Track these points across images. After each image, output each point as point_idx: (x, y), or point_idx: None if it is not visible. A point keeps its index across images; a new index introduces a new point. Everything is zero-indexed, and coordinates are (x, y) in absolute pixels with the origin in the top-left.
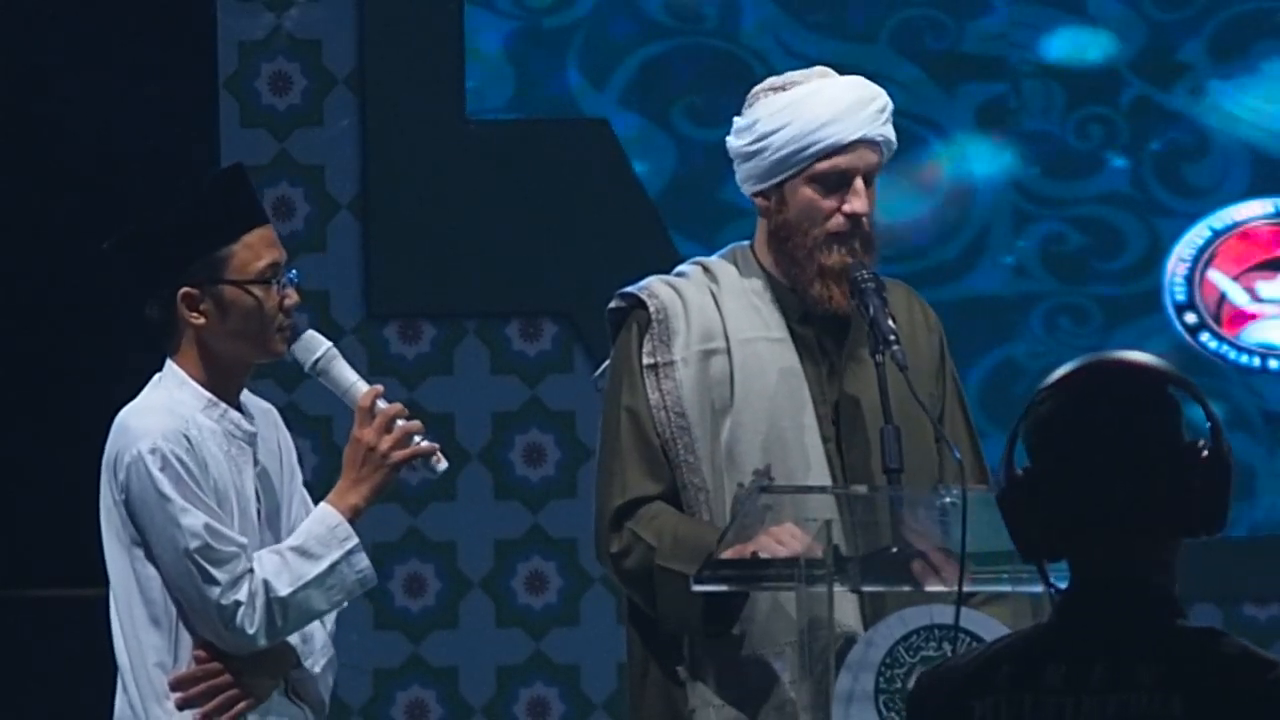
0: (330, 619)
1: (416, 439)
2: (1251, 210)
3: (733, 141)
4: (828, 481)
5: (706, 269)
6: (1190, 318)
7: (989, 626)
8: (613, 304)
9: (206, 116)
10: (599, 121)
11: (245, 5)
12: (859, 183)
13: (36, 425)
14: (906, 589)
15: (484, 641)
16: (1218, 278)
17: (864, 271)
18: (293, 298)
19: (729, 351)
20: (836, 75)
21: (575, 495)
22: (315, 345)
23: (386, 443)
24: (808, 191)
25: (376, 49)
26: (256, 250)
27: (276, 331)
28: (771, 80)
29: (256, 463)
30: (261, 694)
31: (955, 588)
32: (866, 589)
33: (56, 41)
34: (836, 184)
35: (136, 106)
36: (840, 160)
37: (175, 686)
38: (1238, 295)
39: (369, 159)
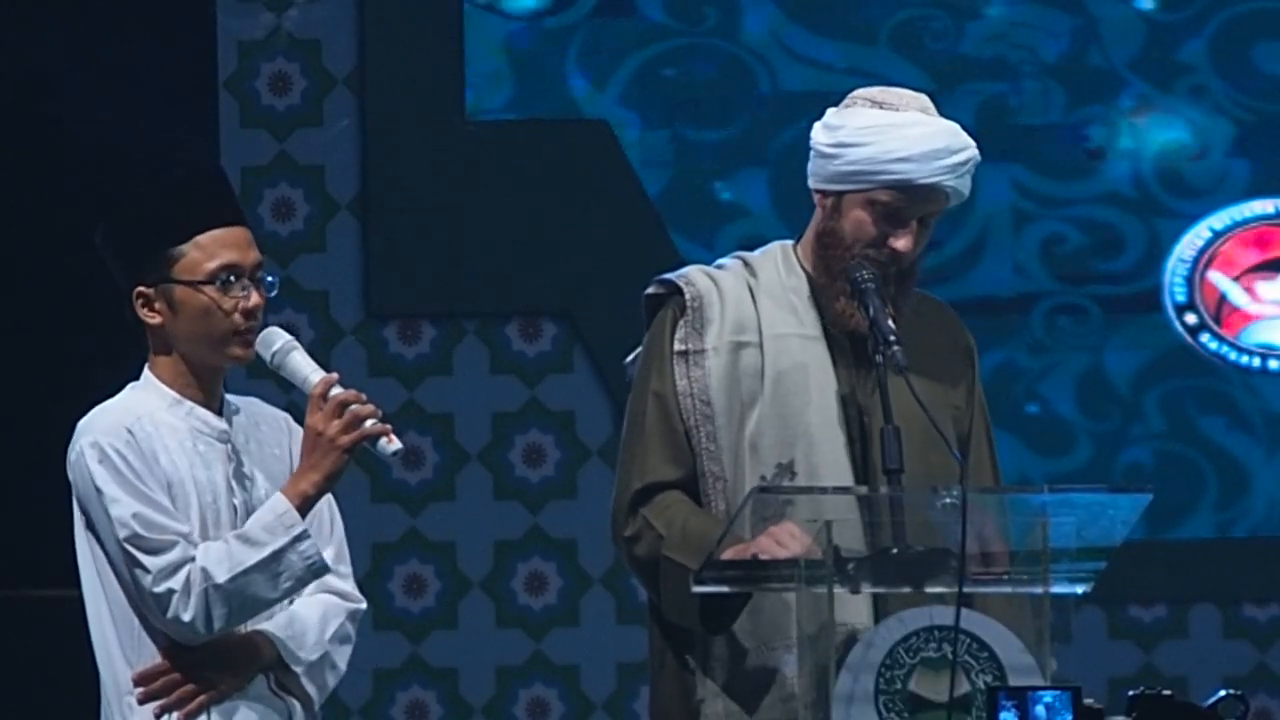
0: (346, 630)
1: (369, 423)
2: (1251, 210)
3: (816, 133)
4: (849, 480)
5: (747, 263)
6: (1190, 318)
7: (989, 628)
8: (650, 289)
9: (206, 116)
10: (599, 121)
11: (245, 5)
12: (914, 225)
13: (36, 424)
14: (906, 590)
15: (484, 642)
16: (1218, 278)
17: (864, 272)
18: (253, 301)
19: (761, 345)
20: (935, 113)
21: (575, 495)
22: (273, 340)
23: (334, 427)
24: (863, 213)
25: (376, 49)
26: (209, 250)
27: (234, 335)
28: (874, 92)
29: (232, 459)
30: (228, 688)
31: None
32: (866, 590)
33: (56, 41)
34: (891, 216)
35: (136, 106)
36: (902, 198)
37: (138, 682)
38: (1238, 295)
39: (369, 159)
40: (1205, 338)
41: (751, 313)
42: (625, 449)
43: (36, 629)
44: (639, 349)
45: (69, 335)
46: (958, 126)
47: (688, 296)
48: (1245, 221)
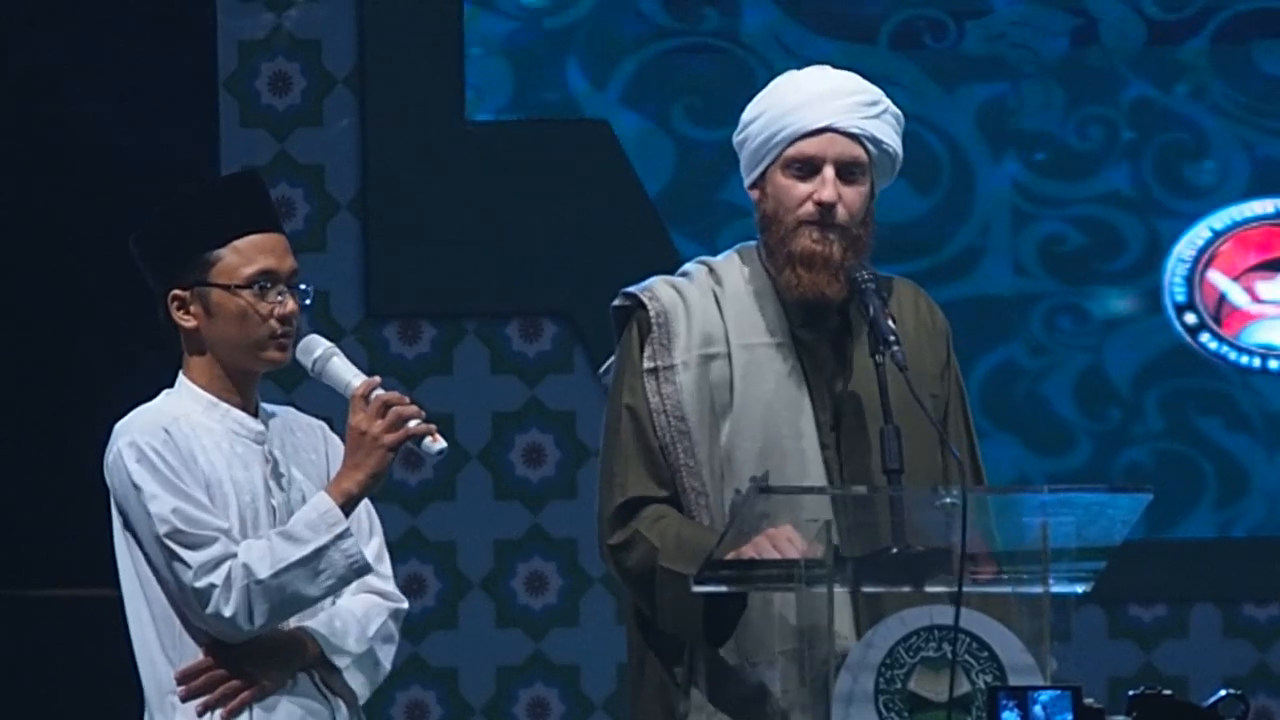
0: (389, 629)
1: (413, 423)
2: (1251, 210)
3: (734, 139)
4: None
5: (711, 270)
6: (1190, 318)
7: (989, 627)
8: (616, 302)
9: (206, 116)
10: (599, 121)
11: (245, 5)
12: (829, 171)
13: (38, 425)
14: (905, 590)
15: (484, 641)
16: (1218, 278)
17: (864, 272)
18: (289, 307)
19: (729, 356)
20: (831, 69)
21: (575, 495)
22: (314, 347)
23: (379, 427)
24: (783, 179)
25: (376, 49)
26: (247, 255)
27: (270, 339)
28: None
29: (269, 460)
30: (271, 685)
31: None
32: (866, 590)
33: (56, 41)
34: (806, 169)
35: (136, 106)
36: (807, 146)
37: (180, 680)
38: (1238, 295)
39: (369, 159)
40: (1205, 338)
41: (718, 323)
42: (604, 463)
43: (35, 628)
44: (612, 359)
45: (68, 336)
46: (856, 75)
47: (651, 313)
48: (1245, 221)
